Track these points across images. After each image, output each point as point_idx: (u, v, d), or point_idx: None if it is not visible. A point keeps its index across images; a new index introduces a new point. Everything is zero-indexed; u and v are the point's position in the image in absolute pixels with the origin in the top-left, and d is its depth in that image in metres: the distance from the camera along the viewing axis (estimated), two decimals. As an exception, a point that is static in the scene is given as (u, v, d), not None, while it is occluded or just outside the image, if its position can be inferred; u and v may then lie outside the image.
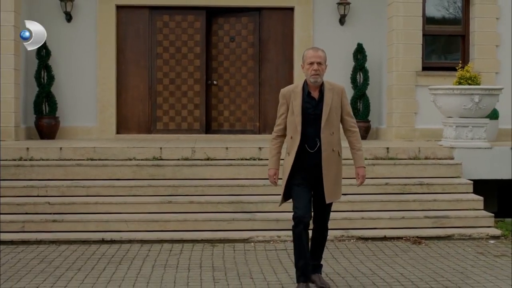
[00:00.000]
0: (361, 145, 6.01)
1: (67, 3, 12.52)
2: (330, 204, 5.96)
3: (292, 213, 5.84)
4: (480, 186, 9.60)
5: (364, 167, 6.03)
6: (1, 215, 8.21)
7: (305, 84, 5.91)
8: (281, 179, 6.01)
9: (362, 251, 7.60)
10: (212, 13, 13.24)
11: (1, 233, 7.90)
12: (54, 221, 8.22)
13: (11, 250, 7.51)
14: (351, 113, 6.03)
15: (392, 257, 7.32)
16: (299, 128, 5.78)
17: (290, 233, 5.94)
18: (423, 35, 12.12)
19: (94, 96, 12.81)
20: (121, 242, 7.91)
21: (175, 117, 13.17)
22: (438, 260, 7.17)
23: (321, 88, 5.87)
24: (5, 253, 7.36)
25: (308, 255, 5.89)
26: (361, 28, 12.95)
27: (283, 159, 5.99)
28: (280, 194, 6.02)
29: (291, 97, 5.88)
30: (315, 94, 5.86)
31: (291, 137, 5.84)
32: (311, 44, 12.58)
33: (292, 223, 5.83)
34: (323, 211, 5.99)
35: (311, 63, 5.81)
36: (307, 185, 5.84)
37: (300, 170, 5.81)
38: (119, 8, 12.96)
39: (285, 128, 5.94)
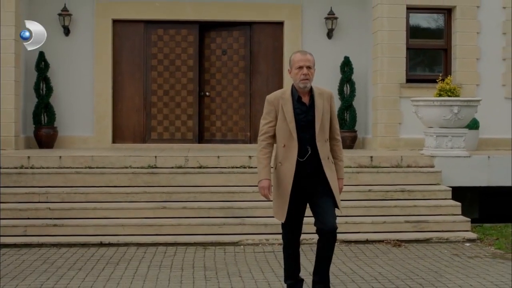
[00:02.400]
0: (343, 155, 5.74)
1: (65, 17, 12.89)
2: (333, 207, 5.51)
3: (282, 233, 5.63)
4: (462, 193, 10.03)
5: (343, 179, 5.71)
6: (4, 220, 8.63)
7: (293, 89, 5.56)
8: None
9: (345, 253, 8.04)
10: (205, 27, 13.59)
11: (5, 237, 8.34)
12: (54, 225, 8.64)
13: (15, 253, 7.94)
14: (337, 120, 5.77)
15: (373, 258, 7.76)
16: (295, 134, 5.43)
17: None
18: (407, 48, 12.52)
19: (91, 106, 13.14)
20: (118, 245, 8.34)
21: (169, 127, 13.52)
22: (415, 261, 7.61)
23: (311, 93, 5.53)
24: (9, 255, 7.79)
25: (298, 274, 5.72)
26: (348, 42, 13.34)
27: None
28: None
29: (279, 103, 5.51)
30: (306, 99, 5.52)
31: (284, 145, 5.48)
32: (300, 57, 13.01)
33: (283, 243, 5.67)
34: (328, 211, 5.47)
35: (300, 67, 5.44)
36: (298, 201, 5.50)
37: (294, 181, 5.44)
38: (115, 22, 13.32)
39: (273, 136, 5.58)
